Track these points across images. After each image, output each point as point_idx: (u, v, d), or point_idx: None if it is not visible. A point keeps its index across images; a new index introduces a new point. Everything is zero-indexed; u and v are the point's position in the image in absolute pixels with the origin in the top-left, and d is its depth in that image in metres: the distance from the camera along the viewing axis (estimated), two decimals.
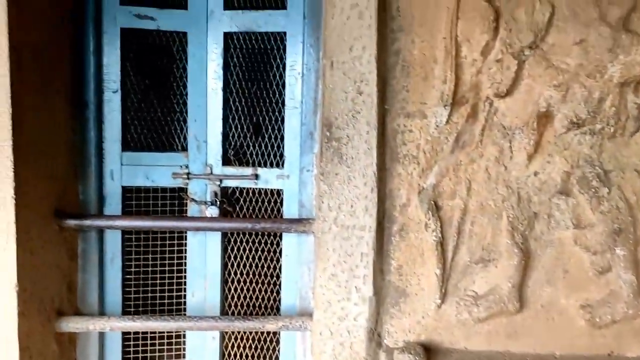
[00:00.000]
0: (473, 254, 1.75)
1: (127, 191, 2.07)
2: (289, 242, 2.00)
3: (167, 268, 2.10)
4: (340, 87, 1.64)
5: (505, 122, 1.70)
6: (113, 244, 2.05)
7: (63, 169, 1.90)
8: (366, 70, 1.62)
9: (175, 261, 2.11)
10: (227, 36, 2.01)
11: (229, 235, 2.07)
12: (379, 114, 1.66)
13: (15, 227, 1.63)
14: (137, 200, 2.08)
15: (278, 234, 2.04)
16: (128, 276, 2.08)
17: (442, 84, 1.67)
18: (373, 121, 1.64)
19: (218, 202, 2.03)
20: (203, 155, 2.05)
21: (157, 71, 2.11)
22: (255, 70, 2.08)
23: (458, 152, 1.71)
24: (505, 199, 1.73)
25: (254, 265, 2.12)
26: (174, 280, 2.11)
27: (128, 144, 2.07)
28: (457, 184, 1.73)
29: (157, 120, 2.12)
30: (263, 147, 2.08)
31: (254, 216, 2.08)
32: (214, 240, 2.05)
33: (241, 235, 2.08)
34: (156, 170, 2.06)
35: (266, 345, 2.14)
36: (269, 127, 2.07)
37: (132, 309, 2.09)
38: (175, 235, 2.09)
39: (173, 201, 2.11)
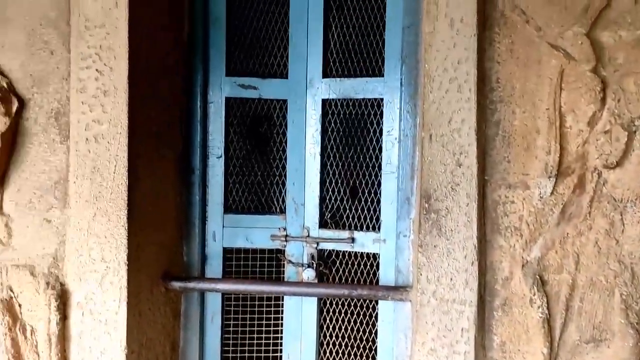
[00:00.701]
0: (583, 333, 1.64)
1: (227, 252, 2.15)
2: (386, 308, 1.98)
3: (264, 329, 2.14)
4: (439, 159, 1.63)
5: (615, 194, 1.60)
6: (213, 303, 2.12)
7: (171, 233, 2.01)
8: (465, 142, 1.60)
9: (272, 322, 2.15)
10: (325, 103, 2.07)
11: (325, 298, 2.09)
12: (479, 186, 1.62)
13: (126, 291, 1.73)
14: (237, 260, 2.15)
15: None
16: (227, 335, 2.15)
17: (546, 155, 1.61)
18: (473, 193, 1.61)
19: (315, 265, 2.06)
20: (300, 218, 2.09)
21: (258, 137, 2.21)
22: (352, 135, 2.11)
23: (565, 224, 1.63)
24: (618, 274, 1.62)
25: (349, 329, 2.11)
26: (271, 341, 2.14)
27: (230, 207, 2.16)
28: (564, 258, 1.64)
29: (257, 184, 2.21)
30: (359, 211, 2.09)
31: (349, 279, 2.09)
32: (310, 303, 2.07)
33: (337, 299, 2.09)
34: (255, 232, 2.13)
35: None
36: (366, 191, 2.08)
37: None
38: (273, 296, 2.14)
39: (271, 262, 2.16)
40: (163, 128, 1.95)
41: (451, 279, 1.64)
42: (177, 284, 1.95)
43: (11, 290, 1.77)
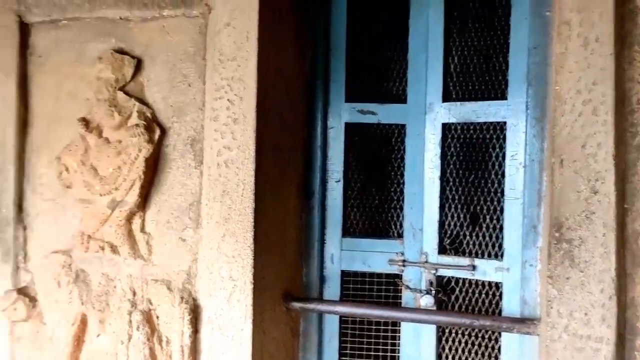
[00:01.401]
0: None
1: (345, 275, 2.17)
2: (509, 341, 1.89)
3: (380, 354, 2.13)
4: (571, 186, 1.54)
5: None
6: (331, 325, 2.15)
7: (291, 254, 2.08)
8: (602, 168, 1.50)
9: (389, 347, 2.13)
10: (445, 127, 2.04)
11: (444, 326, 2.04)
12: (618, 215, 1.51)
13: (252, 309, 1.81)
14: (354, 284, 2.17)
15: None
16: (343, 358, 2.16)
17: None
18: (611, 222, 1.50)
19: (433, 291, 2.02)
20: (419, 243, 2.07)
21: (376, 161, 2.23)
22: (472, 160, 2.06)
23: None
24: None
25: (469, 359, 2.04)
26: None
27: (348, 230, 2.19)
28: None
29: (375, 208, 2.22)
30: (480, 237, 2.03)
31: (469, 308, 2.02)
32: (429, 331, 2.03)
33: (457, 328, 2.03)
34: (373, 256, 2.13)
35: None
36: (487, 218, 2.02)
37: None
38: (390, 321, 2.12)
39: (388, 287, 2.15)
40: (286, 153, 2.03)
41: (586, 314, 1.53)
42: (297, 305, 2.00)
43: (150, 303, 1.92)
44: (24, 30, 2.09)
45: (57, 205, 2.07)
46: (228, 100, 1.84)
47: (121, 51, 1.99)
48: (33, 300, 2.04)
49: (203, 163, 1.89)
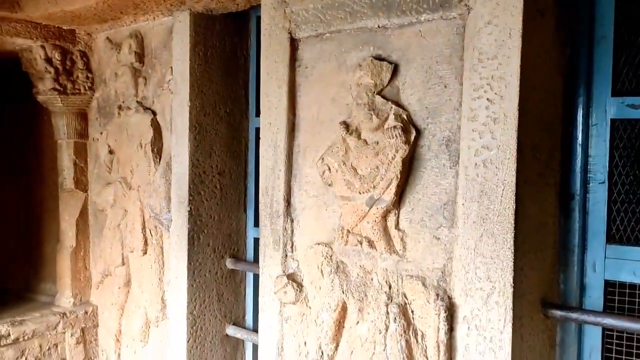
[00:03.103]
0: None
1: (609, 285, 2.00)
2: None
3: None
4: None
5: None
6: (592, 338, 2.00)
7: (548, 259, 1.98)
8: None
9: None
10: None
11: None
12: None
13: (512, 313, 1.77)
14: (620, 295, 1.98)
15: None
16: None
17: None
18: None
19: None
20: None
21: None
22: None
23: None
24: None
25: None
26: None
27: (612, 237, 2.00)
28: None
29: None
30: None
31: None
32: None
33: None
34: None
35: None
36: None
37: None
38: None
39: None
40: (544, 153, 1.94)
41: None
42: (557, 313, 1.90)
43: (405, 297, 2.00)
44: (294, 45, 2.34)
45: (320, 202, 2.28)
46: (487, 99, 1.82)
47: (379, 58, 2.10)
48: (300, 285, 2.28)
49: (459, 163, 1.91)
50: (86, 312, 3.62)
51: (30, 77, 3.46)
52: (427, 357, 1.93)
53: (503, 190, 1.79)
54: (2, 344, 3.23)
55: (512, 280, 1.77)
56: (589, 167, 2.02)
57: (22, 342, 3.33)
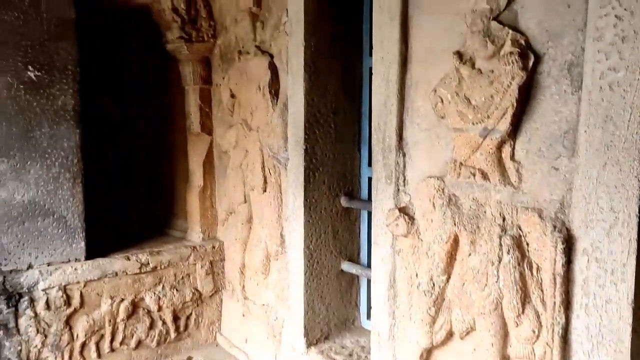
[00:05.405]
0: None
1: None
2: None
3: None
4: None
5: None
6: None
7: None
8: None
9: None
10: None
11: None
12: None
13: (637, 244, 1.67)
14: None
15: None
16: None
17: None
18: None
19: None
20: None
21: None
22: None
23: None
24: None
25: None
26: None
27: None
28: None
29: None
30: None
31: None
32: None
33: None
34: None
35: None
36: None
37: None
38: None
39: None
40: None
41: None
42: None
43: (520, 229, 1.95)
44: None
45: (432, 135, 2.26)
46: (615, 16, 1.67)
47: None
48: (411, 218, 2.30)
49: (581, 88, 1.79)
50: (213, 247, 3.93)
51: (160, 28, 3.71)
52: (542, 290, 1.89)
53: (631, 114, 1.66)
54: (143, 271, 3.62)
55: (637, 210, 1.66)
56: None
57: (159, 270, 3.70)
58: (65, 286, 3.28)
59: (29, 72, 3.08)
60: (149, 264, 3.63)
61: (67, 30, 3.18)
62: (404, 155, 2.37)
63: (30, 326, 3.18)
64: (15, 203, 3.12)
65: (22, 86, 3.07)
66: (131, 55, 4.14)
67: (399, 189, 2.39)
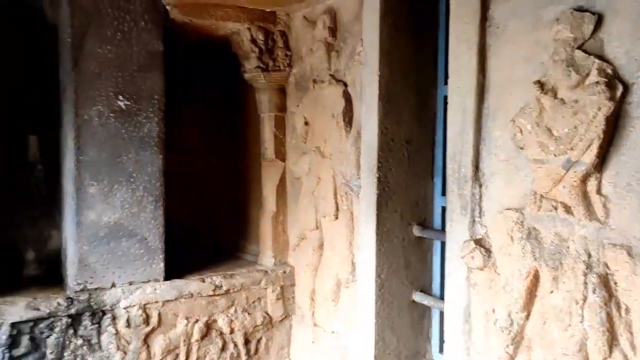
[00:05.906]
0: None
1: None
2: None
3: None
4: None
5: None
6: None
7: None
8: None
9: None
10: None
11: None
12: None
13: None
14: None
15: None
16: None
17: None
18: None
19: None
20: None
21: None
22: None
23: None
24: None
25: None
26: None
27: None
28: None
29: None
30: None
31: None
32: None
33: None
34: None
35: None
36: None
37: None
38: None
39: None
40: None
41: None
42: None
43: (607, 267, 1.85)
44: (484, 4, 2.27)
45: (510, 165, 2.20)
46: None
47: (580, 9, 1.94)
48: (488, 251, 2.24)
49: None
50: (284, 272, 3.97)
51: (238, 58, 3.86)
52: (631, 333, 1.77)
53: None
54: (216, 293, 3.70)
55: None
56: None
57: (232, 293, 3.77)
58: (144, 305, 3.41)
59: (119, 102, 3.28)
60: (222, 286, 3.71)
61: (155, 61, 3.37)
62: (480, 186, 2.32)
63: (112, 343, 3.32)
64: (102, 224, 3.30)
65: (112, 114, 3.28)
66: (211, 84, 4.33)
67: (474, 220, 2.33)
